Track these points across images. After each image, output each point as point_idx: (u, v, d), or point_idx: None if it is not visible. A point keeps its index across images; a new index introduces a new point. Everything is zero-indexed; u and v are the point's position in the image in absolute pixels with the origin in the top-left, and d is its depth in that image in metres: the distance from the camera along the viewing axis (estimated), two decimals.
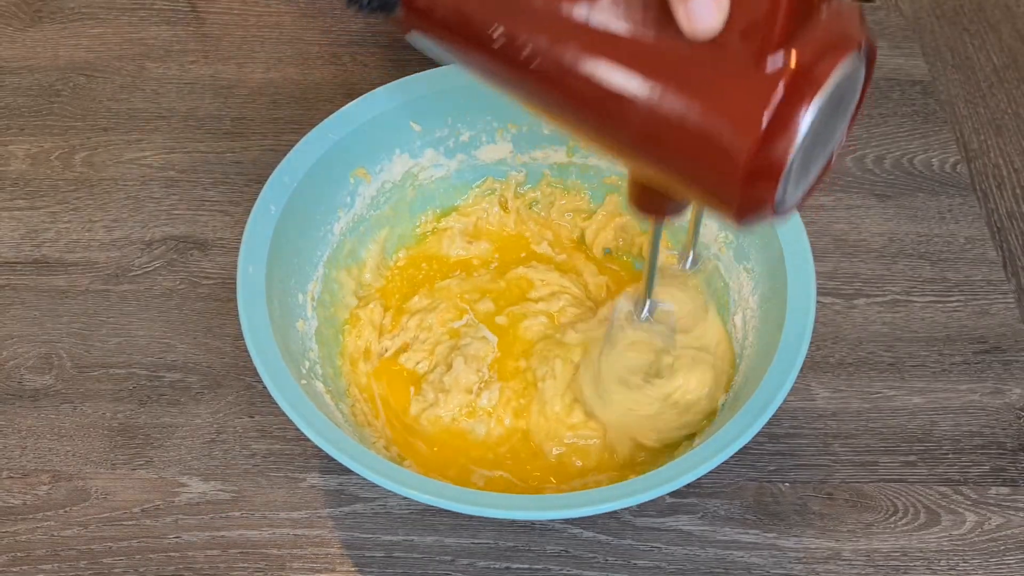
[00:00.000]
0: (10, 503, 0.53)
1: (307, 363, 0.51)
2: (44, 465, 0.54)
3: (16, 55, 0.74)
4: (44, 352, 0.58)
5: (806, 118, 0.31)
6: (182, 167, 0.67)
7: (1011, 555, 0.51)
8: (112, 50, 0.74)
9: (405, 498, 0.46)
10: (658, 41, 0.31)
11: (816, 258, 0.62)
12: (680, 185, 0.35)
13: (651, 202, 0.39)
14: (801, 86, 0.30)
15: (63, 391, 0.57)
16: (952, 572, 0.51)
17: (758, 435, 0.55)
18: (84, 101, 0.71)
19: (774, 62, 0.30)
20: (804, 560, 0.51)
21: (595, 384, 0.51)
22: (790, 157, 0.31)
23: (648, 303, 0.48)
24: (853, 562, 0.51)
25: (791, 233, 0.51)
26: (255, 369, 0.46)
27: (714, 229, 0.56)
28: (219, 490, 0.53)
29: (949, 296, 0.61)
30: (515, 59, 0.34)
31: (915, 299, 0.61)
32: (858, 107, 0.35)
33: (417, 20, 0.36)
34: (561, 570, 0.51)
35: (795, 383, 0.57)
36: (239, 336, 0.47)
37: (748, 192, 0.32)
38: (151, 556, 0.51)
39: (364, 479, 0.43)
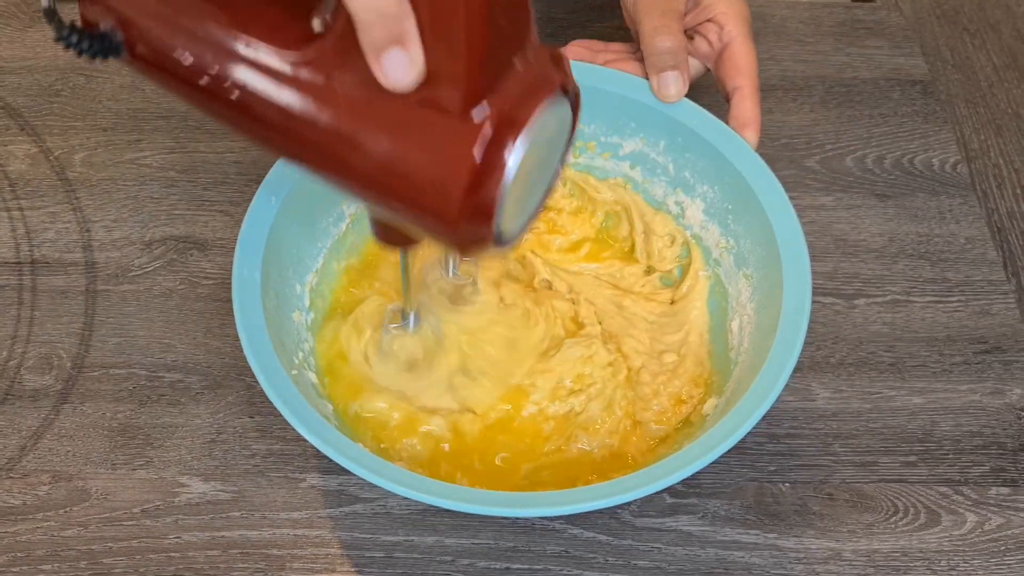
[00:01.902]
0: (10, 503, 0.53)
1: (300, 354, 0.51)
2: (44, 465, 0.54)
3: (16, 55, 0.74)
4: (44, 352, 0.58)
5: (512, 159, 0.33)
6: (182, 167, 0.67)
7: (1011, 555, 0.51)
8: None
9: (405, 498, 0.47)
10: (373, 95, 0.33)
11: (816, 258, 0.63)
12: (405, 223, 0.38)
13: (391, 236, 0.42)
14: (504, 130, 0.33)
15: (63, 391, 0.57)
16: (952, 572, 0.51)
17: (758, 435, 0.55)
18: (84, 101, 0.71)
19: (479, 111, 0.32)
20: (804, 560, 0.51)
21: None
22: (499, 196, 0.33)
23: (412, 315, 0.51)
24: (853, 562, 0.51)
25: (788, 235, 0.51)
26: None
27: (716, 234, 0.56)
28: (219, 490, 0.53)
29: (949, 296, 0.61)
30: (238, 109, 0.36)
31: (915, 299, 0.61)
32: (568, 143, 0.38)
33: (140, 64, 0.37)
34: (561, 570, 0.51)
35: (795, 384, 0.57)
36: (239, 336, 0.47)
37: (466, 230, 0.34)
38: (151, 556, 0.51)
39: (364, 479, 0.43)
